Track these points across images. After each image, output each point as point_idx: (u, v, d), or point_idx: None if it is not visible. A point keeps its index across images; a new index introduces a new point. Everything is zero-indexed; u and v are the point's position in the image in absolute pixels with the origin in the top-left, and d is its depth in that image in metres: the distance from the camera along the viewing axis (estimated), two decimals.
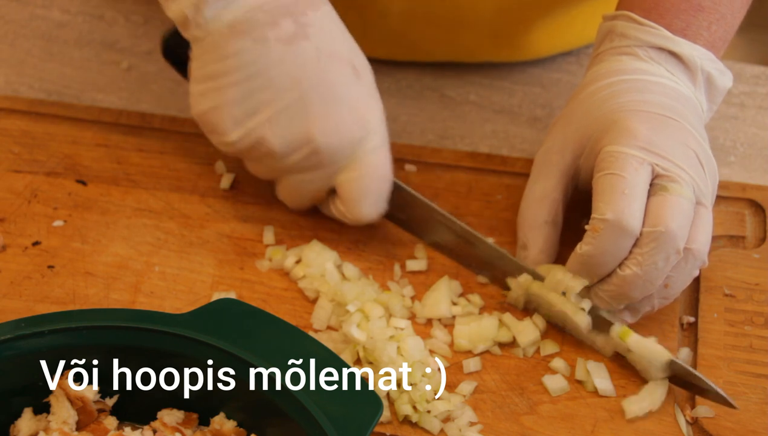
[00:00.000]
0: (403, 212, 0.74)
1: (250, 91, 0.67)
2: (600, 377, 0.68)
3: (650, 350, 0.66)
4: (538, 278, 0.70)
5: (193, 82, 0.70)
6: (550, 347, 0.70)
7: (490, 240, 0.73)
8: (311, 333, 0.70)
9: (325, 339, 0.70)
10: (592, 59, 0.74)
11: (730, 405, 0.65)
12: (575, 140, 0.71)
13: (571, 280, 0.68)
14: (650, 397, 0.67)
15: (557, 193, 0.71)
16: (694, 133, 0.68)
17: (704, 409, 0.67)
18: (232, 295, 0.72)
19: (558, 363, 0.69)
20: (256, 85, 0.67)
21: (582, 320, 0.68)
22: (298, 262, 0.74)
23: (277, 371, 0.60)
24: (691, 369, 0.66)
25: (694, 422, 0.67)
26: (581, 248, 0.67)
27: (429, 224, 0.74)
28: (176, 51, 0.75)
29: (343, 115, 0.68)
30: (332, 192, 0.72)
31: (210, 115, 0.69)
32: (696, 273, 0.68)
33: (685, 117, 0.69)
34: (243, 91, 0.67)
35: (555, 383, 0.68)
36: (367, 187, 0.69)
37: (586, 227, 0.67)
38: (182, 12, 0.67)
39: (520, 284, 0.71)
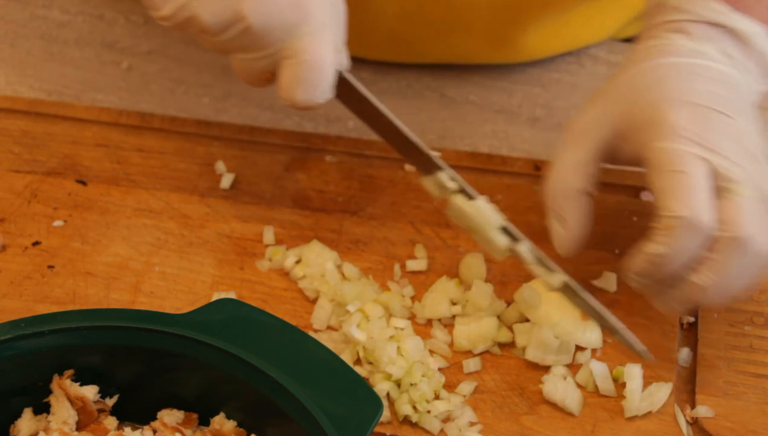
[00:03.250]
0: (352, 104, 0.72)
1: None
2: (601, 377, 0.68)
3: None
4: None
5: None
6: None
7: (436, 154, 0.71)
8: (311, 333, 0.70)
9: (325, 339, 0.70)
10: (642, 32, 0.70)
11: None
12: (616, 118, 0.67)
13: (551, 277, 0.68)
14: (650, 398, 0.67)
15: (591, 166, 0.67)
16: (749, 129, 0.65)
17: (704, 409, 0.67)
18: (232, 295, 0.72)
19: (559, 369, 0.69)
20: None
21: (499, 245, 0.68)
22: (298, 262, 0.74)
23: (277, 371, 0.59)
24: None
25: (694, 422, 0.67)
26: (651, 247, 0.63)
27: (377, 121, 0.72)
28: None
29: None
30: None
31: None
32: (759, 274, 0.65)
33: (739, 110, 0.65)
34: None
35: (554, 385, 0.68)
36: (300, 74, 0.67)
37: (656, 225, 0.63)
38: None
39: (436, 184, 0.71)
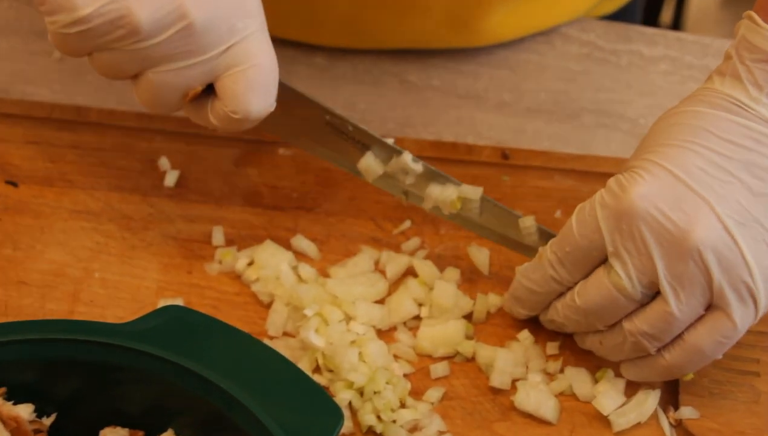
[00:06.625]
0: (283, 114, 0.70)
1: None
2: (579, 382, 0.66)
3: None
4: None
5: None
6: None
7: (390, 140, 0.70)
8: (266, 341, 0.69)
9: (282, 346, 0.68)
10: (723, 62, 0.65)
11: None
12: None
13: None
14: (638, 408, 0.65)
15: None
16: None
17: (688, 410, 0.65)
18: (180, 302, 0.71)
19: (535, 376, 0.67)
20: None
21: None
22: (250, 264, 0.72)
23: (228, 382, 0.58)
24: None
25: (678, 425, 0.65)
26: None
27: (312, 123, 0.70)
28: None
29: None
30: (206, 93, 0.65)
31: None
32: None
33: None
34: None
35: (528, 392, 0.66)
36: (255, 79, 0.63)
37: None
38: None
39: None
